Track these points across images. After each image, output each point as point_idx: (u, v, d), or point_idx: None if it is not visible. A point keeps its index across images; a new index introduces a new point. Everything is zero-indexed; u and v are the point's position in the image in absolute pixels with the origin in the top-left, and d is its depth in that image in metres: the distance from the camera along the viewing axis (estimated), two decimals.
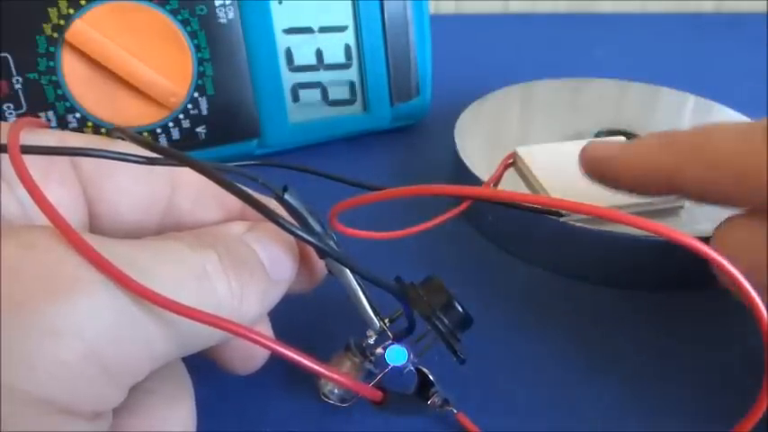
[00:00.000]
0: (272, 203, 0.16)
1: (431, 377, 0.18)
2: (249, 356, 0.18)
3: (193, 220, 0.18)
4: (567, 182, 0.25)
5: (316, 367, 0.16)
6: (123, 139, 0.18)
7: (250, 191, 0.15)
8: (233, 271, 0.16)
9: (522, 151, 0.27)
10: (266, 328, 0.19)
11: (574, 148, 0.25)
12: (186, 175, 0.18)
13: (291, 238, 0.18)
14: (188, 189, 0.18)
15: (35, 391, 0.12)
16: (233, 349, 0.18)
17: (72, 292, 0.13)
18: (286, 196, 0.16)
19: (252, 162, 0.22)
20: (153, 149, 0.16)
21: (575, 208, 0.14)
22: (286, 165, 0.22)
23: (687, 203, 0.26)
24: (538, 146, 0.28)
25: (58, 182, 0.15)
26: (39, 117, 0.27)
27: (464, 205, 0.23)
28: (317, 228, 0.17)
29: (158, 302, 0.13)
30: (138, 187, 0.18)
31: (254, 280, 0.16)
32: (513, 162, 0.27)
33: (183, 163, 0.15)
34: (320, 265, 0.19)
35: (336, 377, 0.16)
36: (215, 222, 0.18)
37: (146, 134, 0.29)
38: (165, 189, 0.18)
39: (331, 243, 0.17)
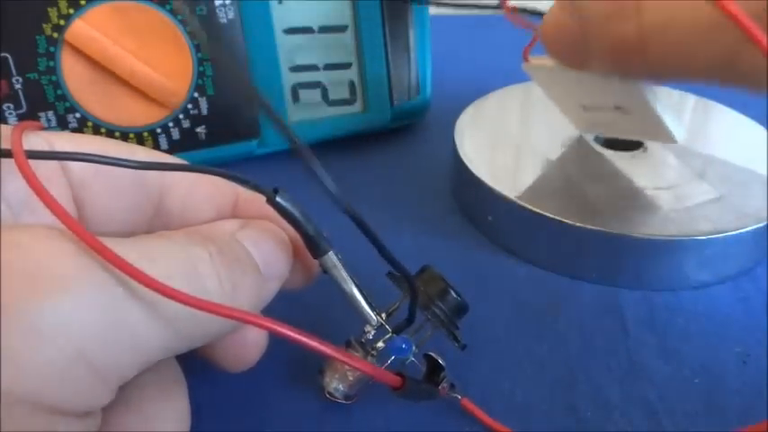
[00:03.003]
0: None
1: (441, 362, 0.19)
2: (242, 353, 0.18)
3: (184, 220, 0.18)
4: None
5: (333, 353, 0.16)
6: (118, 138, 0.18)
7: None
8: (225, 269, 0.16)
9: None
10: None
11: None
12: (177, 174, 0.18)
13: (284, 235, 0.18)
14: (179, 188, 0.18)
15: (21, 390, 0.12)
16: (225, 346, 0.18)
17: (58, 290, 0.12)
18: (278, 198, 0.16)
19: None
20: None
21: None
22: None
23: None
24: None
25: (45, 182, 0.15)
26: (38, 117, 0.27)
27: None
28: (310, 230, 0.17)
29: (170, 295, 0.13)
30: (128, 187, 0.18)
31: (247, 278, 0.16)
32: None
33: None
34: (314, 261, 0.19)
35: (357, 364, 0.16)
36: (206, 222, 0.18)
37: (145, 134, 0.29)
38: (155, 188, 0.18)
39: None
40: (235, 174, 0.16)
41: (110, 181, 0.17)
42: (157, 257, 0.15)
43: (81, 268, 0.13)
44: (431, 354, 0.19)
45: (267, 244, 0.17)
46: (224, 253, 0.16)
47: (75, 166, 0.17)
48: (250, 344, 0.18)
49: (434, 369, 0.19)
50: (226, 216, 0.19)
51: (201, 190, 0.19)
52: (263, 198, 0.16)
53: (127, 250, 0.14)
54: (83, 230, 0.13)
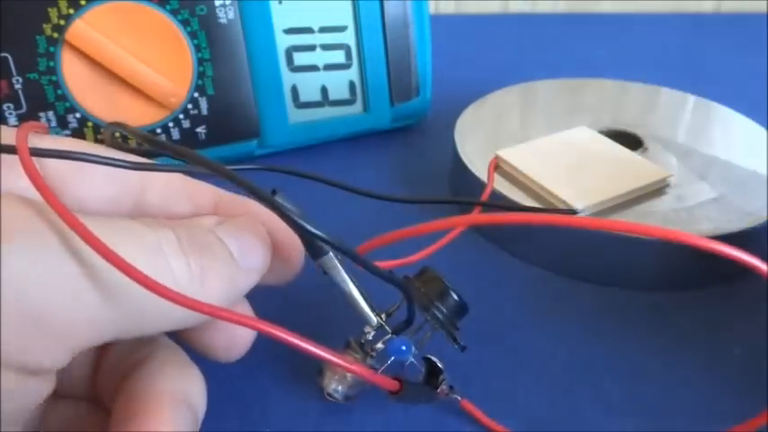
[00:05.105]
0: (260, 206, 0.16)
1: (440, 365, 0.19)
2: (231, 342, 0.18)
3: (164, 216, 0.18)
4: (555, 172, 0.26)
5: (330, 357, 0.16)
6: (115, 138, 0.18)
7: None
8: (192, 252, 0.15)
9: (504, 153, 0.28)
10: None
11: (549, 143, 0.29)
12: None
13: (262, 228, 0.18)
14: (158, 185, 0.18)
15: None
16: (212, 335, 0.18)
17: (12, 242, 0.13)
18: (275, 200, 0.16)
19: (249, 166, 0.22)
20: (152, 143, 0.16)
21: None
22: (278, 168, 0.22)
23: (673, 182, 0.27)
24: (515, 147, 0.28)
25: (23, 176, 0.15)
26: (38, 117, 0.27)
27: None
28: (309, 231, 0.17)
29: (128, 272, 0.13)
30: (106, 183, 0.18)
31: (217, 264, 0.16)
32: (497, 166, 0.28)
33: (177, 155, 0.15)
34: (297, 256, 0.19)
35: (354, 368, 0.16)
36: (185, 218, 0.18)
37: None
38: (134, 185, 0.18)
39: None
40: (231, 174, 0.16)
41: (89, 177, 0.18)
42: (121, 235, 0.15)
43: (29, 225, 0.13)
44: (429, 357, 0.19)
45: (243, 235, 0.17)
46: (194, 237, 0.16)
47: (51, 162, 0.17)
48: (237, 333, 0.18)
49: (433, 372, 0.19)
50: (205, 214, 0.19)
51: (182, 188, 0.19)
52: (244, 198, 0.16)
53: (97, 225, 0.14)
54: (62, 207, 0.14)
